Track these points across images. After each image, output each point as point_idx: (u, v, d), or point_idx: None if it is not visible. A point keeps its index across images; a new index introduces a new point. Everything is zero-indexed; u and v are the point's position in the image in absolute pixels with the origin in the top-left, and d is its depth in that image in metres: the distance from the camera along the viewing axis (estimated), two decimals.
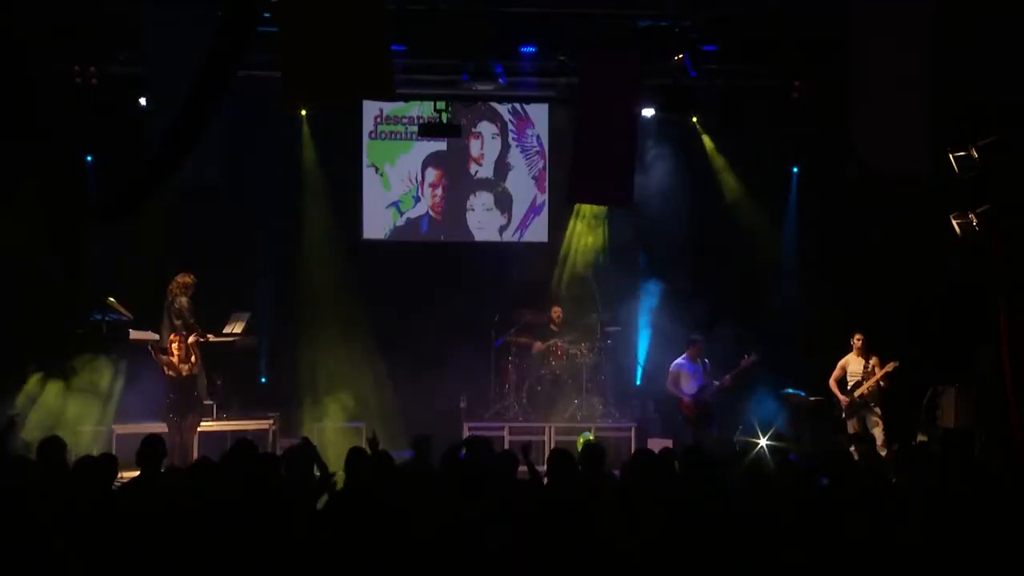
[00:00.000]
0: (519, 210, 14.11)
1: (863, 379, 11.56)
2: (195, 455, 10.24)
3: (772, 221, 13.66)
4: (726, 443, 11.03)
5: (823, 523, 5.71)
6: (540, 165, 14.11)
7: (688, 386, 11.94)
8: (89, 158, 12.52)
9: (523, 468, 7.19)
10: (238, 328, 12.23)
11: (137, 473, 6.78)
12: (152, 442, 6.97)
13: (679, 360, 12.06)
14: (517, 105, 14.02)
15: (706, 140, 13.59)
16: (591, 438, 11.58)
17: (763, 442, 9.39)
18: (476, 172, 14.15)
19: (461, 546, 5.56)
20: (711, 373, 11.95)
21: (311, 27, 8.58)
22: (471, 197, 14.14)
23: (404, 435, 11.70)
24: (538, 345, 13.12)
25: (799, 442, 10.36)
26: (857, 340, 11.68)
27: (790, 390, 12.33)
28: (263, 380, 12.81)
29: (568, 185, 12.37)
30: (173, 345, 10.96)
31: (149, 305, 11.84)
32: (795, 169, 13.62)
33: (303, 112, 13.31)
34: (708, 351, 12.12)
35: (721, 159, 13.59)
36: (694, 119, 13.46)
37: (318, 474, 6.77)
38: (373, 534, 5.57)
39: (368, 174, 13.93)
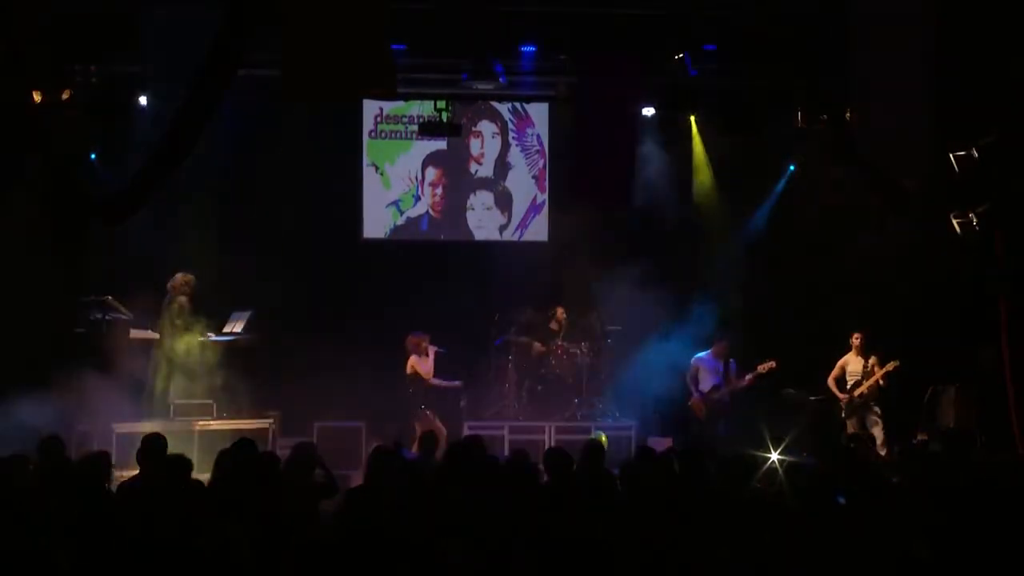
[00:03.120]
0: (519, 209, 14.11)
1: (863, 378, 11.57)
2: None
3: (771, 220, 13.67)
4: (731, 445, 11.02)
5: (824, 524, 5.71)
6: (540, 164, 14.10)
7: (704, 382, 11.96)
8: (93, 157, 12.50)
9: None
10: (238, 327, 12.23)
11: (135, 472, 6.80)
12: (152, 440, 6.98)
13: (701, 354, 12.09)
14: (517, 104, 14.01)
15: (696, 141, 13.62)
16: (603, 438, 11.60)
17: (775, 456, 9.40)
18: (476, 171, 14.14)
19: (458, 544, 5.56)
20: (734, 375, 11.94)
21: (312, 26, 8.60)
22: (471, 196, 14.13)
23: (404, 435, 11.73)
24: (538, 345, 13.10)
25: (806, 452, 10.32)
26: (855, 339, 11.70)
27: (790, 390, 12.34)
28: (262, 380, 12.78)
29: (568, 185, 12.39)
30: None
31: (149, 305, 11.85)
32: (791, 168, 13.64)
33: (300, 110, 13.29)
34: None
35: (704, 160, 13.64)
36: (692, 118, 13.47)
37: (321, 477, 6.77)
38: (375, 534, 5.57)
39: (368, 173, 13.92)
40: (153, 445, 6.93)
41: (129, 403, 11.22)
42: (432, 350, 11.96)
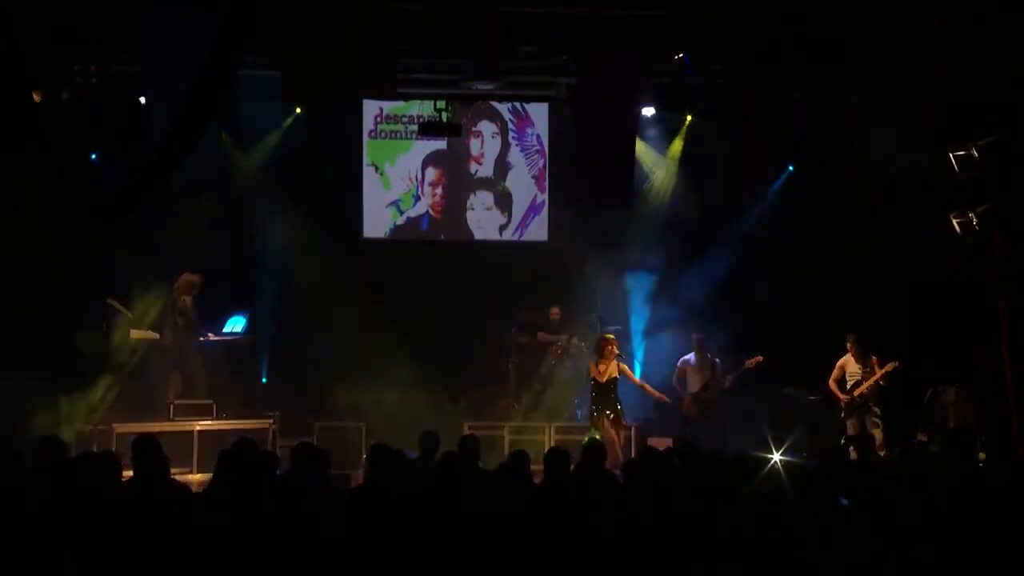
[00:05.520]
0: (519, 209, 14.11)
1: (862, 379, 11.56)
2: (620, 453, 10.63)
3: (769, 220, 13.70)
4: (724, 444, 11.03)
5: (825, 524, 5.71)
6: (540, 164, 14.10)
7: (692, 383, 11.97)
8: (94, 157, 12.50)
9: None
10: (238, 327, 12.24)
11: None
12: (145, 442, 6.99)
13: (686, 356, 12.11)
14: (517, 104, 14.01)
15: (677, 142, 13.63)
16: (597, 437, 11.58)
17: (776, 457, 9.44)
18: (476, 171, 14.14)
19: (458, 544, 5.56)
20: (720, 373, 11.94)
21: (312, 25, 8.60)
22: (471, 196, 14.13)
23: (404, 435, 11.70)
24: (543, 334, 13.10)
25: (806, 452, 10.33)
26: (851, 340, 11.68)
27: (790, 390, 12.33)
28: (263, 380, 12.80)
29: (568, 185, 12.39)
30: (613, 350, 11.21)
31: (149, 305, 11.85)
32: (790, 167, 13.64)
33: (298, 110, 13.30)
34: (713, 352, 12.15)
35: (675, 164, 13.65)
36: (688, 117, 13.47)
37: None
38: (378, 533, 5.58)
39: (368, 173, 13.93)
40: (145, 446, 6.94)
41: (129, 403, 11.22)
42: (614, 352, 11.35)
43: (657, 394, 11.51)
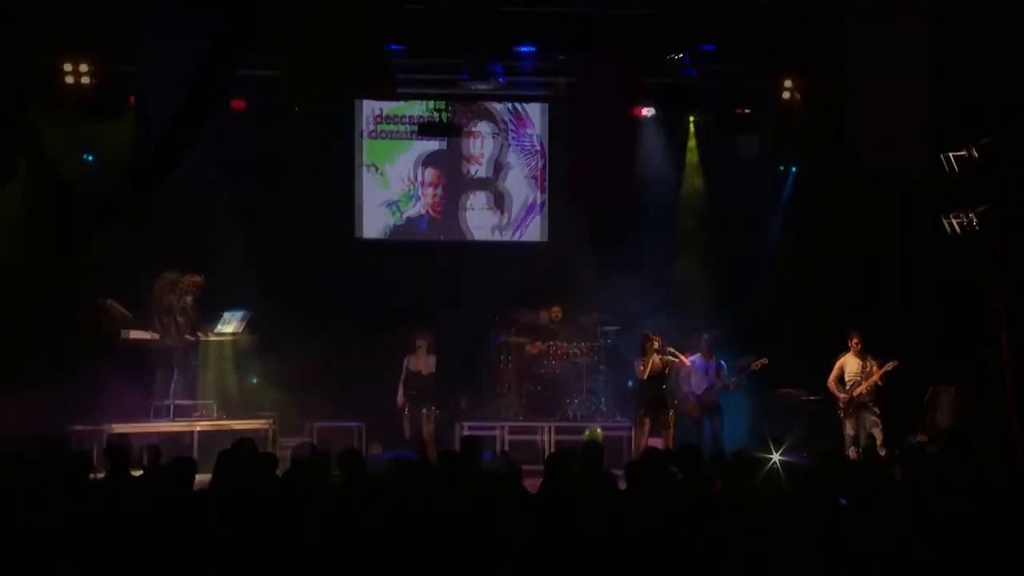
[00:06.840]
0: (517, 210, 14.10)
1: (861, 379, 11.55)
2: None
3: (771, 220, 13.69)
4: (725, 445, 11.03)
5: (824, 524, 5.71)
6: (538, 165, 14.09)
7: (696, 383, 11.96)
8: (90, 158, 12.49)
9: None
10: (234, 327, 12.23)
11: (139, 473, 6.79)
12: (117, 442, 7.03)
13: (692, 356, 12.08)
14: (516, 104, 14.01)
15: (692, 143, 13.61)
16: (598, 432, 11.60)
17: (776, 457, 9.47)
18: (475, 172, 14.14)
19: (459, 545, 5.56)
20: (725, 374, 11.95)
21: (312, 25, 8.61)
22: (469, 196, 14.13)
23: (404, 435, 11.73)
24: (537, 345, 13.11)
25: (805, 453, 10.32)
26: (854, 341, 11.67)
27: (790, 390, 12.33)
28: (261, 380, 12.79)
29: (568, 184, 12.40)
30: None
31: (148, 305, 11.85)
32: (793, 169, 13.64)
33: (297, 110, 13.28)
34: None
35: (696, 163, 13.65)
36: (691, 118, 13.47)
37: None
38: (373, 534, 5.57)
39: (367, 173, 13.93)
40: (118, 447, 6.99)
41: (128, 403, 11.22)
42: (653, 349, 11.24)
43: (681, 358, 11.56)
